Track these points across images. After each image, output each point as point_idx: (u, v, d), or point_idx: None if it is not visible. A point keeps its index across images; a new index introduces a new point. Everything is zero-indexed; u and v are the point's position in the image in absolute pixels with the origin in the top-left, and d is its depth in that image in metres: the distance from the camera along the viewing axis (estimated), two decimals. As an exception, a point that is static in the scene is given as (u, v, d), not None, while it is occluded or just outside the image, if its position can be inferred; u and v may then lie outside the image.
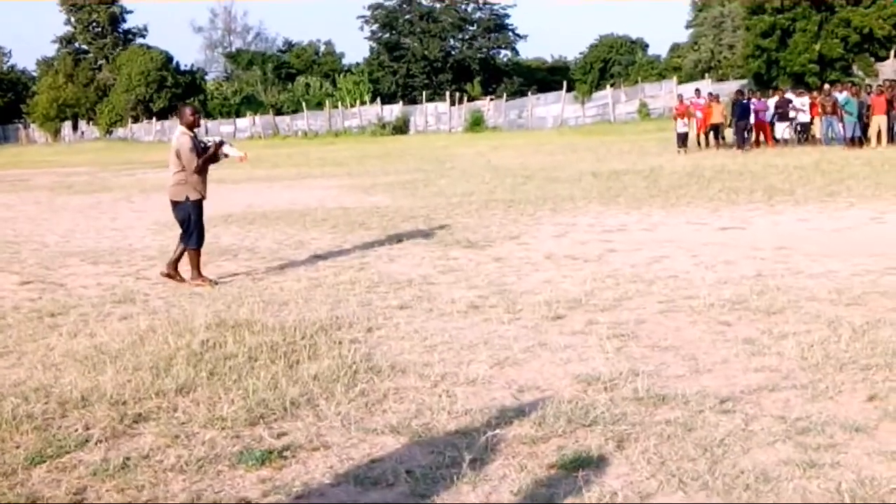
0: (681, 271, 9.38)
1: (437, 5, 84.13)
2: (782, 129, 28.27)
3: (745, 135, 28.52)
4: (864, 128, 25.62)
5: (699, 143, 29.65)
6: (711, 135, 29.61)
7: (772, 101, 28.94)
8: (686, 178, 19.52)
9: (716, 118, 28.95)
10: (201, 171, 10.02)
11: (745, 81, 50.83)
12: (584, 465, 4.34)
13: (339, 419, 5.18)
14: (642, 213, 14.49)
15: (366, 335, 7.21)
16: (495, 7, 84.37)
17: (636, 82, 63.57)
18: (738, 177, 19.23)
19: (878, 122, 25.04)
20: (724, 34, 64.25)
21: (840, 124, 26.11)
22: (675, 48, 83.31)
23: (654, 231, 12.56)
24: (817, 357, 5.86)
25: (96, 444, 4.97)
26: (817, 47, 47.48)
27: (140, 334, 7.35)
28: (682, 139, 28.67)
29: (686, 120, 28.87)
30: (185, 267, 10.08)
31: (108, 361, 6.49)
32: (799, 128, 28.16)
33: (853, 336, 6.29)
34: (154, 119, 79.25)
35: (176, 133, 10.18)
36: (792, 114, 28.17)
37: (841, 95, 26.19)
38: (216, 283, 9.88)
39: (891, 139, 25.09)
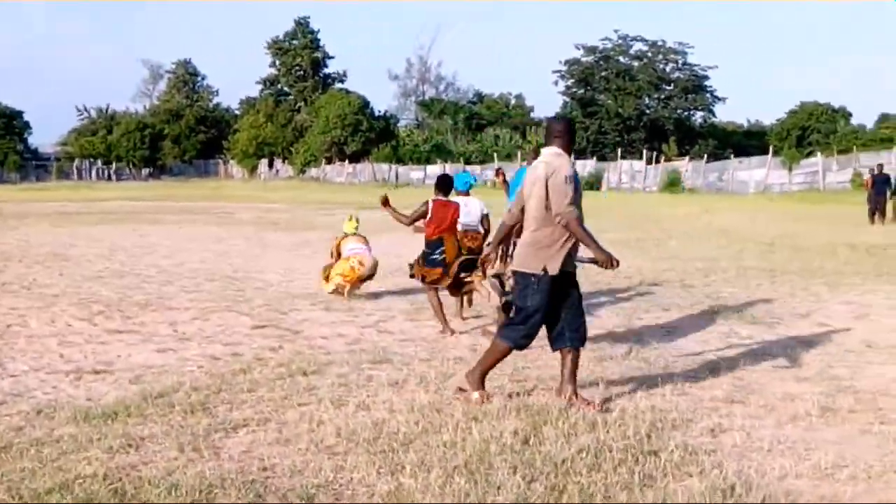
0: None
1: (636, 64, 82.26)
2: None
3: None
4: None
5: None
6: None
7: None
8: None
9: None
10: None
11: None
12: None
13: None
14: (946, 296, 12.28)
15: (713, 440, 5.54)
16: (695, 68, 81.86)
17: (845, 151, 59.81)
18: None
19: None
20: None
21: None
22: (883, 118, 78.52)
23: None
24: None
25: None
26: None
27: (424, 413, 5.88)
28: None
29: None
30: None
31: (401, 451, 5.04)
32: None
33: None
34: (347, 161, 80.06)
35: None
36: None
37: None
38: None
39: None
